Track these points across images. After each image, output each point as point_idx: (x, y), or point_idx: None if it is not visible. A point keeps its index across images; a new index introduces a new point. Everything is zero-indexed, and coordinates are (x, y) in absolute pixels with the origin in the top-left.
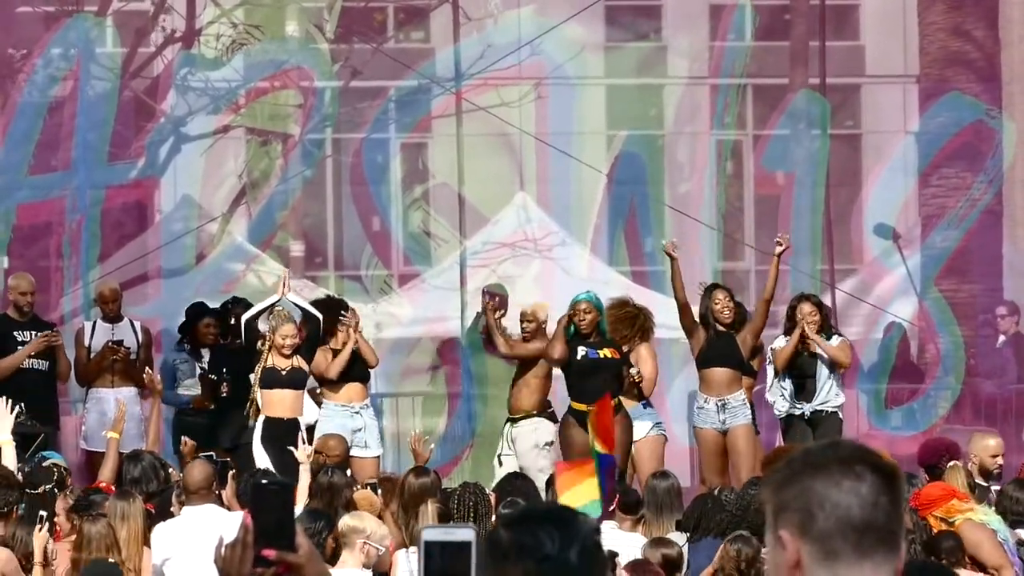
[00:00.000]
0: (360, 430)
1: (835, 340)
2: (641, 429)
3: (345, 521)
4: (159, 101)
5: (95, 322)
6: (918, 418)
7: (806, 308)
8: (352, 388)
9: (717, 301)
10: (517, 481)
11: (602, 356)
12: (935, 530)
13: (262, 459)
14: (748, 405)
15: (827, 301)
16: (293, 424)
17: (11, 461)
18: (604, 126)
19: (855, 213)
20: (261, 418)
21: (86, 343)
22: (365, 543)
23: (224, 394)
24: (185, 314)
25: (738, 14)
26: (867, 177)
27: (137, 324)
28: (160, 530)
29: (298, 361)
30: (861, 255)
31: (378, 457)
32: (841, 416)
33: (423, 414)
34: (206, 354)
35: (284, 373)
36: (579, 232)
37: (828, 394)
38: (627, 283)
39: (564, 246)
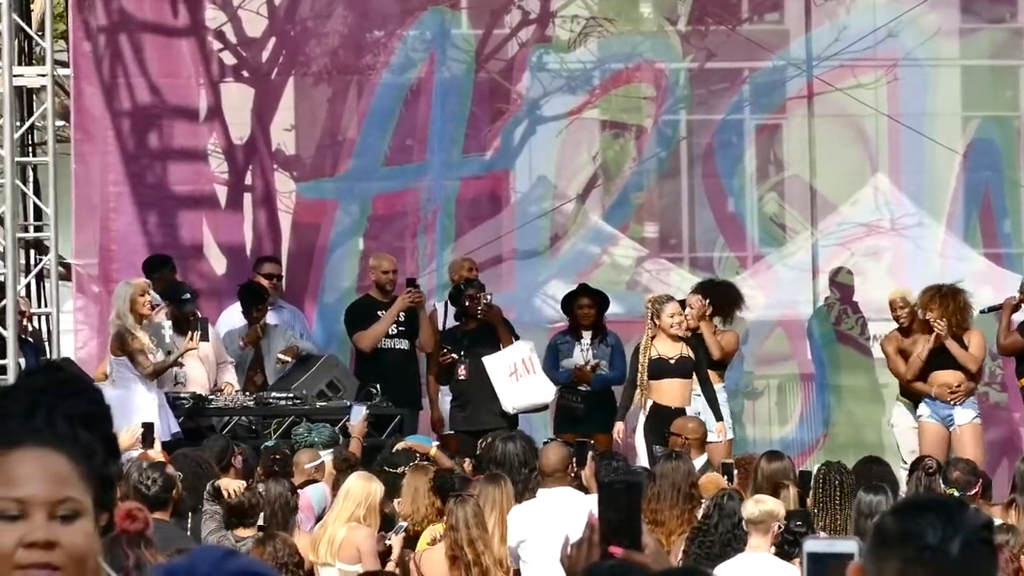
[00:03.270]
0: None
1: None
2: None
3: (759, 506)
4: (514, 83)
5: (446, 303)
6: None
7: None
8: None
9: None
10: (875, 466)
11: None
12: None
13: (641, 448)
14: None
15: None
16: (680, 413)
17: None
18: (959, 108)
19: None
20: (648, 404)
21: (440, 326)
22: (780, 526)
23: (462, 377)
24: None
25: None
26: None
27: None
28: (517, 512)
29: (686, 349)
30: None
31: (727, 442)
32: None
33: (777, 401)
34: (586, 335)
35: (673, 362)
36: (934, 214)
37: None
38: (985, 262)
39: (920, 227)
